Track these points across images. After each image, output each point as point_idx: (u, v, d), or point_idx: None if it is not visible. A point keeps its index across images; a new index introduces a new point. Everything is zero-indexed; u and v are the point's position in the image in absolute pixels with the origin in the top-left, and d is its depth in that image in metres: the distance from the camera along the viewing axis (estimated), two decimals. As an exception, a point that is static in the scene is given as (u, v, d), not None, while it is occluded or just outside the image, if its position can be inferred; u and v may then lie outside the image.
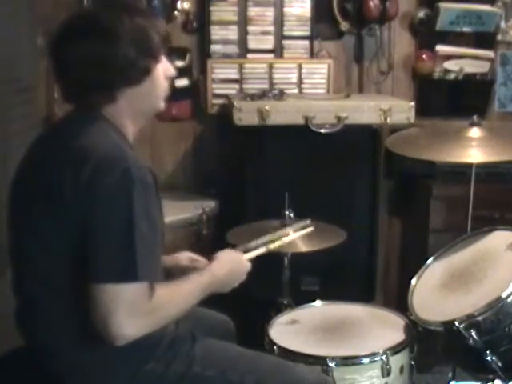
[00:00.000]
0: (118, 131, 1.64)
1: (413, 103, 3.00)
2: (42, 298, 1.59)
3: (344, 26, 3.35)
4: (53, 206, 1.53)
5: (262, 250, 2.00)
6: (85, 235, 1.50)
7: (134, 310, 1.48)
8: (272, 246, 2.04)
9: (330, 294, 2.48)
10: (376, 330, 2.22)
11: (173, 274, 1.83)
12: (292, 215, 2.45)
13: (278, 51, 3.35)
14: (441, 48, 3.41)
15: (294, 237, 2.20)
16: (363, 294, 3.09)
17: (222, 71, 3.31)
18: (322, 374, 1.92)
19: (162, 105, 1.72)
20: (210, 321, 1.98)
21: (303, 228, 2.22)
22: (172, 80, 1.74)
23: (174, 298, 1.60)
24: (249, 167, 3.03)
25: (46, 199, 1.54)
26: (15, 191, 1.66)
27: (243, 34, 3.30)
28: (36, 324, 1.62)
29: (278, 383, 1.72)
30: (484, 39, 3.44)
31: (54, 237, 1.54)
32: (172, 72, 1.72)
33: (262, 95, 3.06)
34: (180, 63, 3.22)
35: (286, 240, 2.13)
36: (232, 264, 1.82)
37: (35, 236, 1.57)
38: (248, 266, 1.86)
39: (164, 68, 1.68)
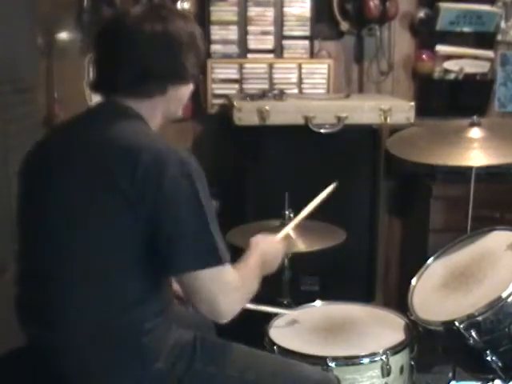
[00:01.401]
0: (149, 127, 1.68)
1: (413, 103, 3.01)
2: (68, 298, 1.57)
3: (344, 26, 3.35)
4: (103, 205, 1.54)
5: (290, 226, 2.11)
6: (153, 231, 1.52)
7: (231, 288, 1.59)
8: (298, 218, 2.13)
9: (330, 293, 2.48)
10: (376, 330, 2.22)
11: None
12: (292, 215, 2.45)
13: (278, 51, 3.35)
14: (441, 48, 3.41)
15: (318, 200, 2.26)
16: (363, 293, 3.10)
17: (222, 71, 3.31)
18: (327, 373, 1.92)
19: (180, 112, 1.81)
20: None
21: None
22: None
23: (248, 275, 1.70)
24: (249, 167, 3.03)
25: (97, 199, 1.54)
26: (43, 189, 1.62)
27: (243, 34, 3.30)
28: (49, 323, 1.60)
29: (280, 380, 1.73)
30: (484, 39, 3.44)
31: (105, 237, 1.55)
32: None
33: (262, 95, 3.07)
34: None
35: (309, 207, 2.20)
36: (266, 243, 1.87)
37: (70, 234, 1.57)
38: (281, 244, 1.94)
39: None
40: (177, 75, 1.67)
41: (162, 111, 1.71)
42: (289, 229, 2.10)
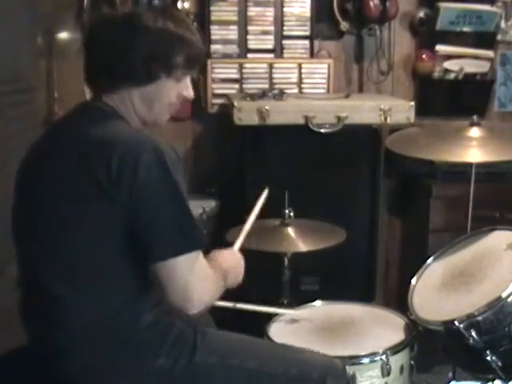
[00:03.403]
0: (128, 124, 1.68)
1: (413, 103, 3.01)
2: (65, 297, 1.58)
3: (344, 26, 3.35)
4: (84, 198, 1.54)
5: (243, 235, 2.05)
6: (132, 220, 1.53)
7: (205, 275, 1.60)
8: (247, 226, 2.10)
9: (330, 294, 2.48)
10: (376, 329, 2.22)
11: None
12: (292, 215, 2.46)
13: (278, 51, 3.35)
14: (441, 48, 3.41)
15: (258, 208, 2.22)
16: (363, 293, 3.09)
17: (222, 71, 3.31)
18: (331, 358, 1.87)
19: (163, 119, 1.75)
20: None
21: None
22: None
23: (217, 272, 1.68)
24: (249, 167, 3.03)
25: (81, 193, 1.55)
26: (31, 187, 1.64)
27: (243, 34, 3.30)
28: (50, 323, 1.61)
29: (283, 368, 1.72)
30: (484, 39, 3.44)
31: (89, 229, 1.55)
32: (190, 95, 1.75)
33: (262, 95, 3.06)
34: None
35: (253, 214, 2.18)
36: (228, 256, 1.85)
37: (64, 231, 1.57)
38: (241, 256, 1.90)
39: (182, 87, 1.71)
40: (126, 76, 1.65)
41: (134, 110, 1.69)
42: (241, 240, 2.04)
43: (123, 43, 1.61)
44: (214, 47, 3.29)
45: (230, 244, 2.40)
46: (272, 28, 3.32)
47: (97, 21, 1.73)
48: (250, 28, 3.30)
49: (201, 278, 1.58)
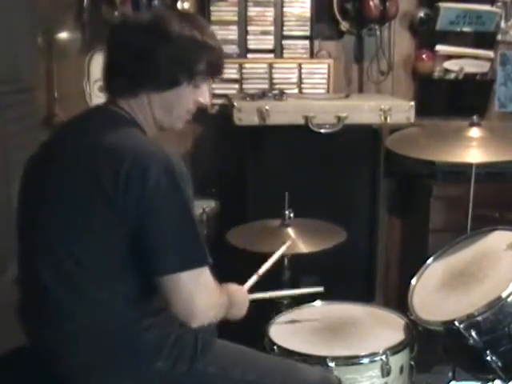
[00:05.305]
0: (143, 131, 1.68)
1: (413, 103, 3.00)
2: (64, 298, 1.58)
3: (344, 26, 3.35)
4: (94, 206, 1.54)
5: (255, 277, 2.04)
6: (137, 230, 1.52)
7: (211, 292, 1.62)
8: (262, 270, 2.07)
9: (330, 293, 2.47)
10: (376, 330, 2.22)
11: None
12: (292, 215, 2.46)
13: (278, 51, 3.35)
14: (441, 48, 3.41)
15: (276, 256, 2.19)
16: (363, 294, 3.09)
17: (222, 71, 3.30)
18: (326, 374, 1.92)
19: (179, 125, 1.76)
20: None
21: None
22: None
23: (224, 292, 1.72)
24: (249, 167, 3.03)
25: (85, 197, 1.55)
26: (36, 187, 1.64)
27: (243, 34, 3.30)
28: (50, 325, 1.61)
29: (281, 381, 1.73)
30: (484, 39, 3.44)
31: (90, 232, 1.55)
32: (206, 101, 1.75)
33: (262, 95, 3.06)
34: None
35: (270, 260, 2.14)
36: (236, 290, 1.87)
37: (65, 236, 1.57)
38: (247, 296, 1.92)
39: (199, 93, 1.71)
40: (149, 80, 1.64)
41: (150, 114, 1.69)
42: (253, 281, 2.03)
43: (151, 46, 1.61)
44: (214, 47, 3.29)
45: (229, 244, 2.41)
46: (272, 28, 3.32)
47: (123, 21, 1.73)
48: (249, 28, 3.30)
49: (205, 293, 1.59)
